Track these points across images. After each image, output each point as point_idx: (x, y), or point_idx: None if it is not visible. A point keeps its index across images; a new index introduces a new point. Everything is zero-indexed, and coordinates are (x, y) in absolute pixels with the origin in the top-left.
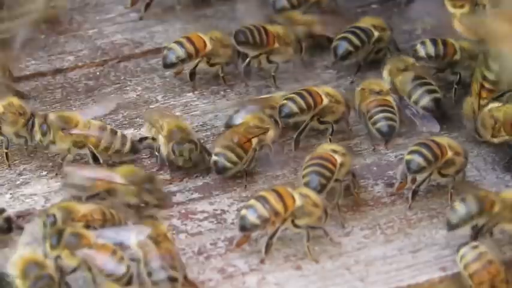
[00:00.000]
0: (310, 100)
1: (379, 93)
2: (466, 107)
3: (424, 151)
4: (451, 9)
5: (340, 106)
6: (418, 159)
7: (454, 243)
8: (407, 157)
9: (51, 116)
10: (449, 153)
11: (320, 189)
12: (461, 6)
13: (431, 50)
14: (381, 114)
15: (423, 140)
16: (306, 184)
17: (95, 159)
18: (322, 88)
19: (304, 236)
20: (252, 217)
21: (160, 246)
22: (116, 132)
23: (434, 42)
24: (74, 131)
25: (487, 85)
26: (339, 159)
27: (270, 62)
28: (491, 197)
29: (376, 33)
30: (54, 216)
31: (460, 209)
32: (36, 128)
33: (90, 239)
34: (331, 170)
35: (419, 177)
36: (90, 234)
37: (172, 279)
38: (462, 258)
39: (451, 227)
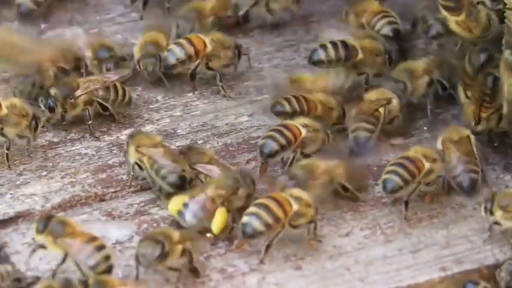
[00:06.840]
0: (290, 135)
1: (457, 142)
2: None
3: (400, 171)
4: (448, 17)
5: (319, 134)
6: (395, 179)
7: (454, 243)
8: (385, 176)
9: None
10: (426, 165)
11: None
12: (458, 15)
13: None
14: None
15: (397, 159)
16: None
17: None
18: (298, 120)
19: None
20: (256, 224)
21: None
22: None
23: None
24: None
25: (486, 104)
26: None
27: (209, 69)
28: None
29: None
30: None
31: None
32: None
33: (75, 227)
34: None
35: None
36: (75, 223)
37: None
38: None
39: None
